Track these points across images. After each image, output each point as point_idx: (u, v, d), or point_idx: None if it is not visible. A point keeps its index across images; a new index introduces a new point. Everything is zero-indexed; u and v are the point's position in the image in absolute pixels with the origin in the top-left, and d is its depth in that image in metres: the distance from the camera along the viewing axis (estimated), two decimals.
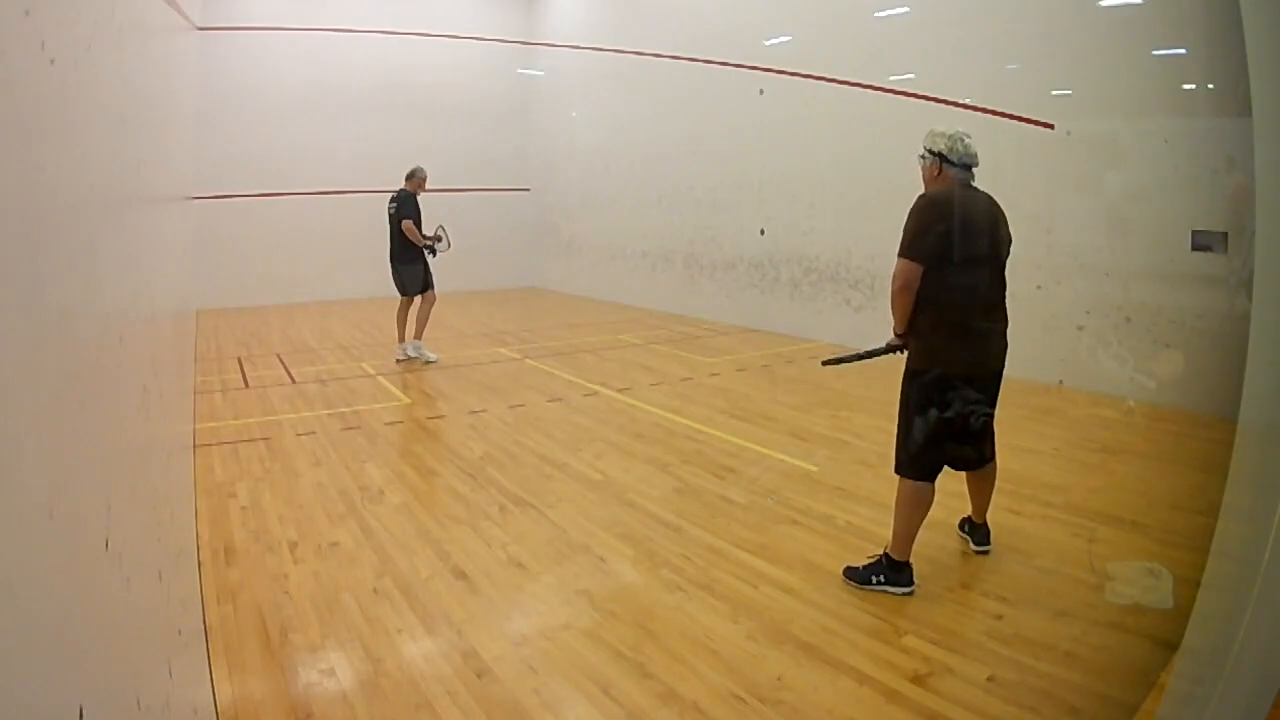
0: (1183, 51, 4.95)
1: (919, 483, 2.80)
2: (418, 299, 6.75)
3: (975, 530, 3.13)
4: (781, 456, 4.27)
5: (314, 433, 4.77)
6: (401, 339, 6.85)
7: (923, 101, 6.52)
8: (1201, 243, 4.84)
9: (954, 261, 2.66)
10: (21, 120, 0.70)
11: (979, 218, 2.77)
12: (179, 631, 1.77)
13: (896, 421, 2.86)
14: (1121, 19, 5.24)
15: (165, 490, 2.01)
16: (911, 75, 6.65)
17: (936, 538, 3.19)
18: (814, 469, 4.07)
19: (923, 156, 2.86)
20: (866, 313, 7.33)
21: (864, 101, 7.06)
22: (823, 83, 7.45)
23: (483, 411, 5.20)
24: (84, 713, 0.75)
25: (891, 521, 2.84)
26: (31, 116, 0.74)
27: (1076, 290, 5.60)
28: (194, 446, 4.37)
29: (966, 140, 2.80)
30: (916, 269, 2.67)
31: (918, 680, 2.25)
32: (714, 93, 8.94)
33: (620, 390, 5.80)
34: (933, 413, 2.75)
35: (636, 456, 4.33)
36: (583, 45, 11.17)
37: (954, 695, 2.17)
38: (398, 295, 6.84)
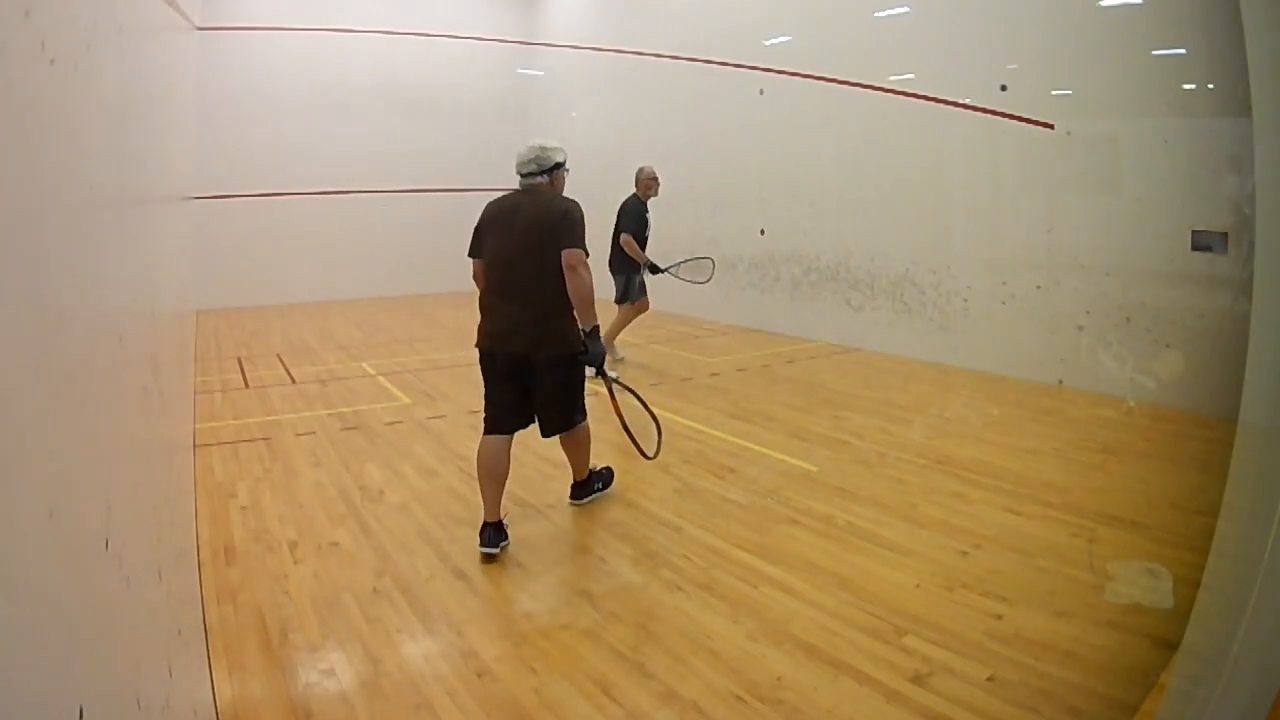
0: (1183, 51, 4.95)
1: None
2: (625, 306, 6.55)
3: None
4: (781, 456, 4.27)
5: (314, 433, 4.77)
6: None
7: (923, 101, 6.52)
8: (1201, 243, 4.84)
9: None
10: (21, 120, 0.70)
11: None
12: (179, 631, 1.77)
13: (570, 390, 3.24)
14: (1121, 19, 5.24)
15: (165, 490, 2.01)
16: (911, 75, 6.64)
17: (937, 537, 3.19)
18: (814, 469, 4.07)
19: (566, 168, 3.23)
20: (866, 312, 7.33)
21: (864, 101, 7.06)
22: (823, 83, 7.45)
23: (482, 411, 5.19)
24: (84, 713, 0.75)
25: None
26: (31, 116, 0.74)
27: (1076, 290, 5.60)
28: (194, 446, 4.37)
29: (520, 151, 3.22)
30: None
31: (918, 680, 2.25)
32: (714, 93, 8.93)
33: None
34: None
35: (637, 457, 4.32)
36: (583, 45, 11.17)
37: (954, 695, 2.17)
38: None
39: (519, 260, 3.06)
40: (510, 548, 3.16)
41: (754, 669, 2.32)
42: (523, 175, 3.18)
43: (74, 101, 0.94)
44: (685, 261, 6.41)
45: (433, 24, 11.48)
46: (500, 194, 3.24)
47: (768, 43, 8.21)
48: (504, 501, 3.17)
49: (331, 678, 2.29)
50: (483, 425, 3.25)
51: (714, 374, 6.42)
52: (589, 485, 3.60)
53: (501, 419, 3.20)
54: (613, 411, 3.38)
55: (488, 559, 3.05)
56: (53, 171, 0.83)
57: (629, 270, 6.41)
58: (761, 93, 8.27)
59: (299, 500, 3.68)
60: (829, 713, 2.12)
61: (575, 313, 3.14)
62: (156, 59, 2.51)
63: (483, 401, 3.26)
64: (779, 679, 2.27)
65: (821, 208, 7.78)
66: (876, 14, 6.97)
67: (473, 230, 3.21)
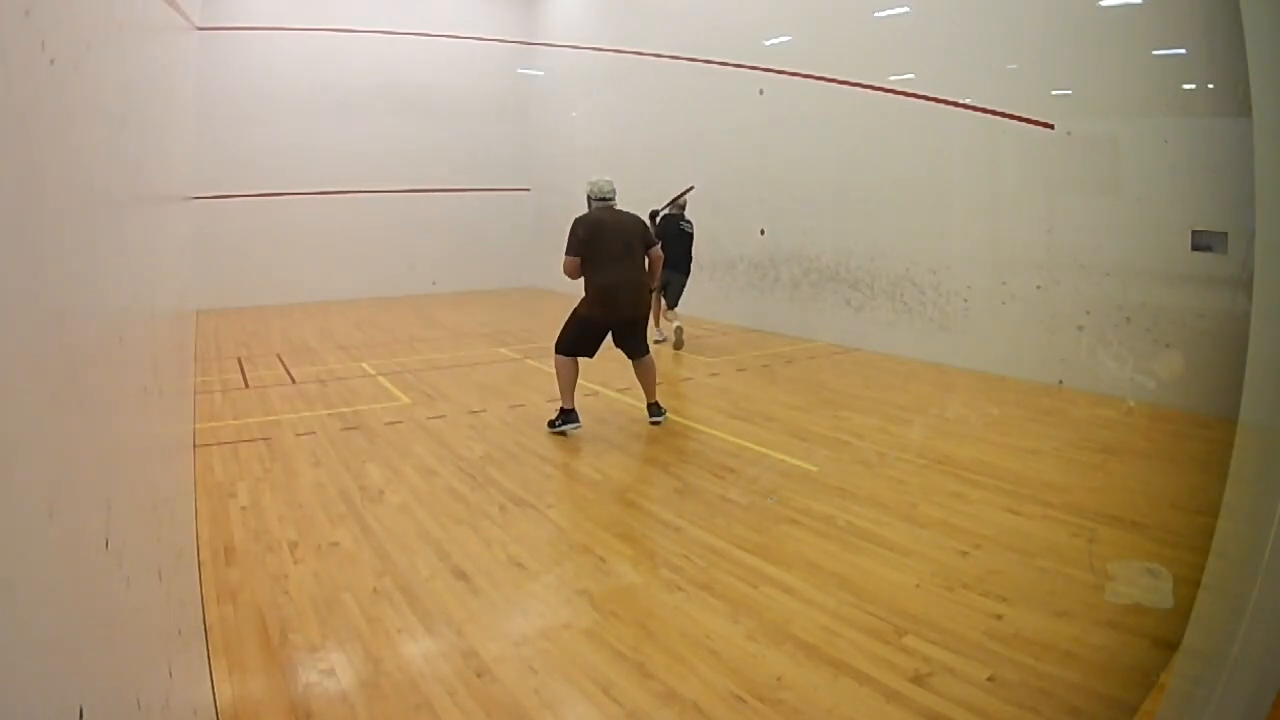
0: (1183, 51, 4.94)
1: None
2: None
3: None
4: (781, 456, 4.27)
5: (314, 433, 4.77)
6: (657, 324, 7.62)
7: (923, 101, 6.52)
8: (1201, 243, 4.84)
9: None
10: (22, 120, 0.70)
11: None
12: (179, 631, 1.77)
13: (645, 332, 4.88)
14: (1121, 19, 5.24)
15: (165, 490, 2.01)
16: (911, 75, 6.64)
17: (937, 537, 3.19)
18: (814, 469, 4.07)
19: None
20: (866, 312, 7.33)
21: (864, 101, 7.06)
22: (823, 83, 7.45)
23: (483, 411, 5.20)
24: (84, 713, 0.75)
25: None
26: (31, 116, 0.74)
27: (1076, 290, 5.59)
28: (194, 446, 4.37)
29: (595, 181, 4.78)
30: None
31: (918, 680, 2.25)
32: (714, 93, 8.93)
33: (620, 390, 5.79)
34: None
35: (636, 456, 4.33)
36: (583, 45, 11.17)
37: (954, 695, 2.17)
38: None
39: (624, 256, 4.61)
40: (510, 547, 3.16)
41: (754, 669, 2.32)
42: (605, 198, 4.71)
43: (74, 101, 0.94)
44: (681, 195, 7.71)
45: (433, 24, 11.48)
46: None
47: (768, 43, 8.20)
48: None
49: (331, 678, 2.29)
50: (564, 351, 4.71)
51: (714, 374, 6.43)
52: (658, 406, 4.87)
53: (585, 351, 4.76)
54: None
55: (574, 431, 4.68)
56: (53, 172, 0.83)
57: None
58: (761, 93, 8.26)
59: (299, 500, 3.68)
60: (829, 713, 2.12)
61: (651, 280, 4.86)
62: (156, 59, 2.51)
63: (568, 344, 4.72)
64: (779, 679, 2.27)
65: (821, 208, 7.78)
66: (876, 14, 6.97)
67: (574, 237, 4.57)
